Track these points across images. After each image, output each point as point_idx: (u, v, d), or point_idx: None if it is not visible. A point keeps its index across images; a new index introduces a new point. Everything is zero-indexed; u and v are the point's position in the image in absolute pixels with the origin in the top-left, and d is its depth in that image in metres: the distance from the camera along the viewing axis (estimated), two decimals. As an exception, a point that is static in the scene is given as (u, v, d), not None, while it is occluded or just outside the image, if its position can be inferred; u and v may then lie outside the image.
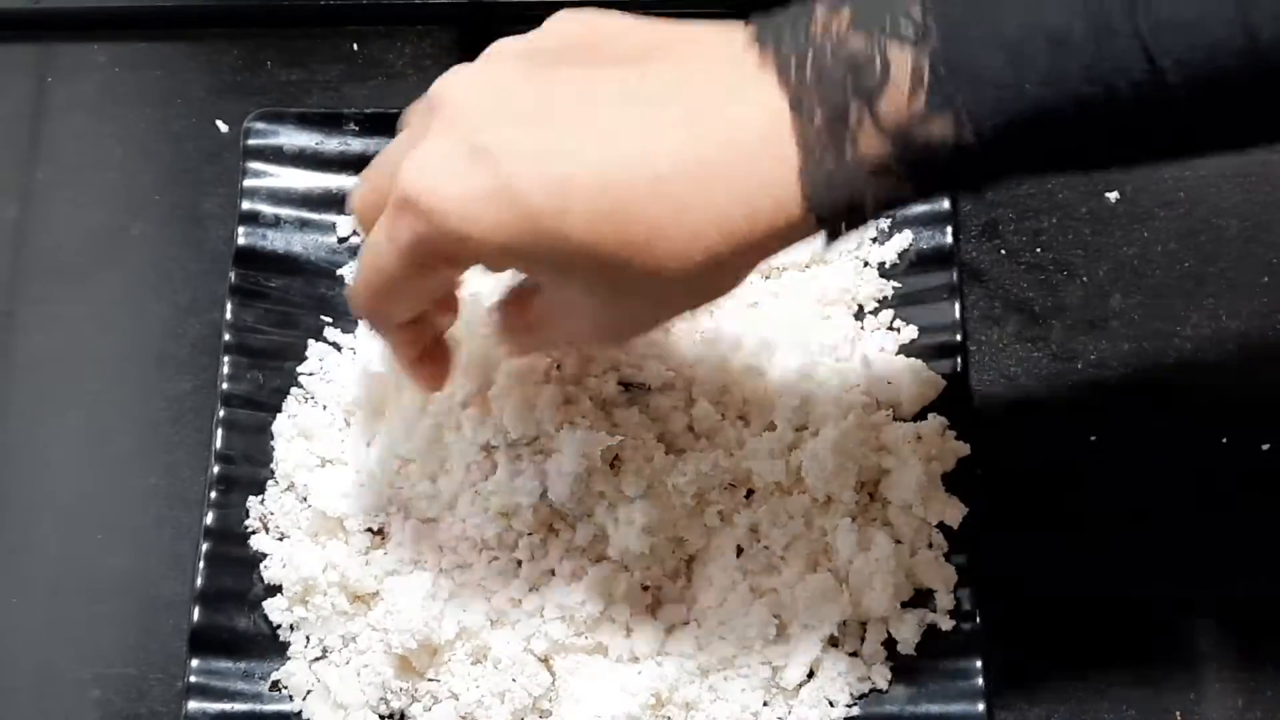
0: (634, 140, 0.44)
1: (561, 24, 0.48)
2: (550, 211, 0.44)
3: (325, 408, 0.61)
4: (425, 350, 0.53)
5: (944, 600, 0.56)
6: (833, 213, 0.43)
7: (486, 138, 0.44)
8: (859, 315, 0.62)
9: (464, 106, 0.46)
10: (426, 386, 0.55)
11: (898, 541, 0.57)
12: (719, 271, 0.45)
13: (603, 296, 0.46)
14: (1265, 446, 0.60)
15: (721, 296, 0.48)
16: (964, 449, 0.58)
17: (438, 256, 0.46)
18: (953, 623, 0.56)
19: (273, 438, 0.60)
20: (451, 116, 0.46)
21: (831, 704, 0.56)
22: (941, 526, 0.57)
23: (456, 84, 0.47)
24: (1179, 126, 0.42)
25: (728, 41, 0.45)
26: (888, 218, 0.62)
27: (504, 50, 0.48)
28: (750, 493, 0.58)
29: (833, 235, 0.44)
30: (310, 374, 0.61)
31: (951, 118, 0.42)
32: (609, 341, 0.55)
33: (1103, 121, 0.42)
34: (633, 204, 0.43)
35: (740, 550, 0.57)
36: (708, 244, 0.44)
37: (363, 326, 0.59)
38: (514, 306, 0.52)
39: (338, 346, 0.62)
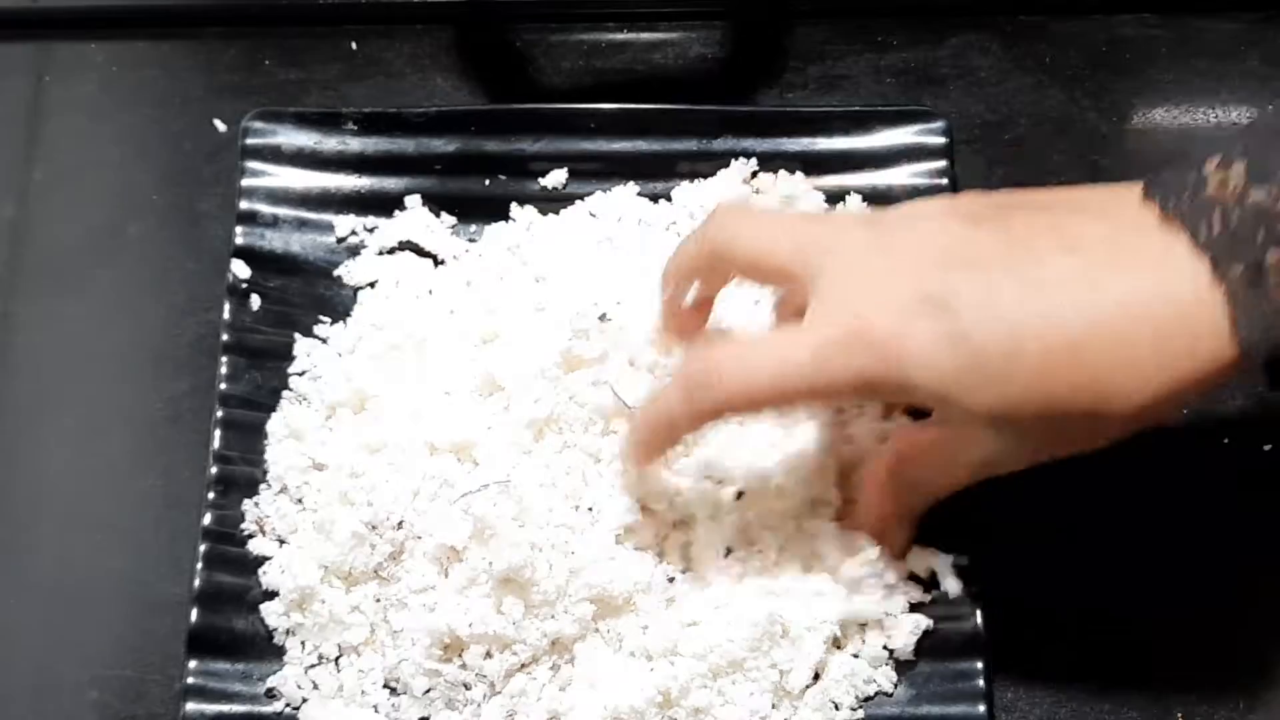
0: (1079, 290, 0.47)
1: (972, 193, 0.52)
2: (1002, 358, 0.47)
3: (315, 408, 0.60)
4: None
5: (949, 584, 0.56)
6: (1271, 353, 0.46)
7: (941, 289, 0.47)
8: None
9: (918, 257, 0.48)
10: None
11: None
12: (1153, 413, 0.48)
13: (1037, 438, 0.49)
14: (1266, 447, 0.60)
15: (1127, 433, 0.51)
16: None
17: (869, 391, 0.49)
18: (948, 616, 0.56)
19: (265, 437, 0.60)
20: (906, 266, 0.48)
21: (836, 707, 0.56)
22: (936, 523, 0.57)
23: (907, 233, 0.49)
24: None
25: (1126, 201, 0.48)
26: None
27: (929, 210, 0.51)
28: (740, 494, 0.57)
29: (1272, 372, 0.48)
30: (300, 373, 0.61)
31: None
32: (998, 472, 0.55)
33: None
34: (1080, 349, 0.47)
35: (729, 550, 0.57)
36: (1155, 388, 0.47)
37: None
38: (908, 437, 0.53)
39: (324, 340, 0.62)
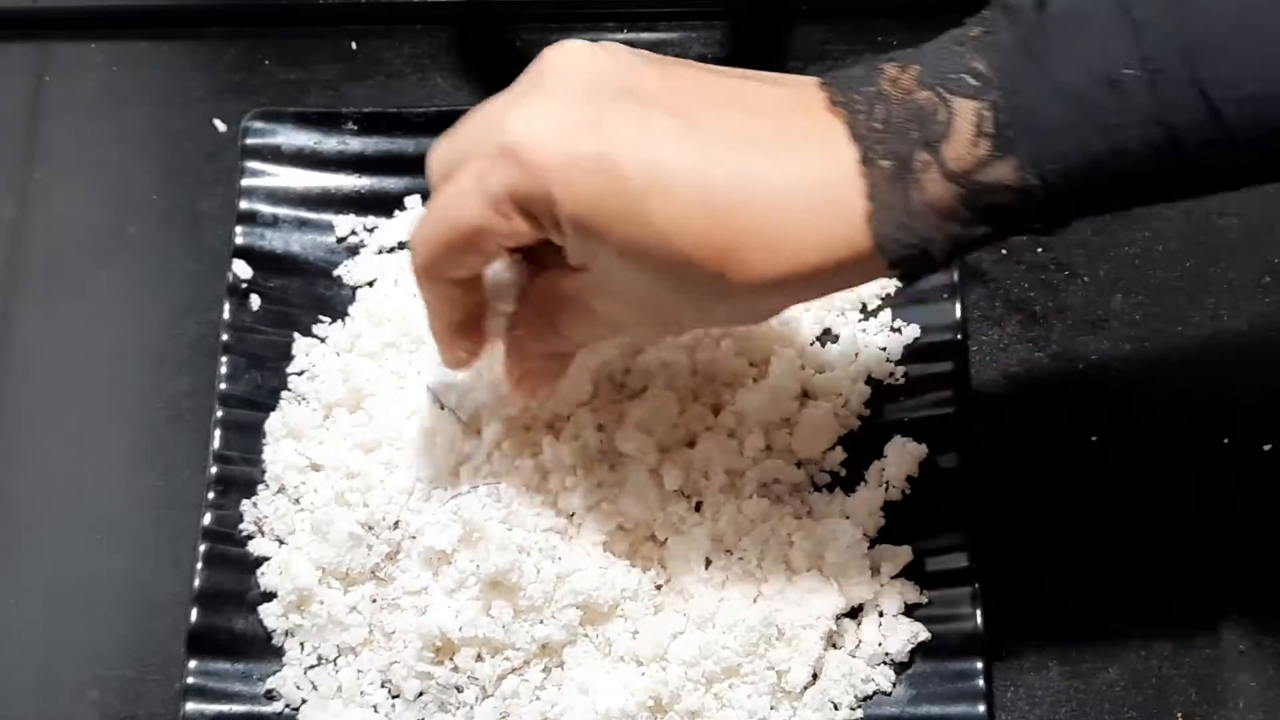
0: (737, 150, 0.46)
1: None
2: (643, 194, 0.46)
3: (313, 408, 0.60)
4: (465, 319, 0.54)
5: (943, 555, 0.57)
6: (901, 254, 0.46)
7: (599, 109, 0.46)
8: (862, 312, 0.62)
9: (581, 75, 0.47)
10: (453, 359, 0.55)
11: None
12: (779, 293, 0.48)
13: (663, 288, 0.48)
14: (1266, 447, 0.60)
15: (770, 318, 0.52)
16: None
17: (523, 211, 0.47)
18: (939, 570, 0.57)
19: (264, 437, 0.60)
20: (566, 81, 0.47)
21: (835, 707, 0.56)
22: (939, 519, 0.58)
23: (574, 53, 0.48)
24: (1241, 163, 0.44)
25: (803, 86, 0.48)
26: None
27: (617, 45, 0.50)
28: (699, 505, 0.58)
29: (906, 277, 0.47)
30: (299, 373, 0.61)
31: (1014, 163, 0.44)
32: (644, 331, 0.56)
33: (1164, 162, 0.43)
34: (722, 212, 0.46)
35: (709, 562, 0.57)
36: (781, 266, 0.46)
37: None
38: (542, 292, 0.52)
39: (322, 339, 0.62)
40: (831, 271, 0.46)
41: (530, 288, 0.53)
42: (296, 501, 0.59)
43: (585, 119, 0.46)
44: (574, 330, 0.53)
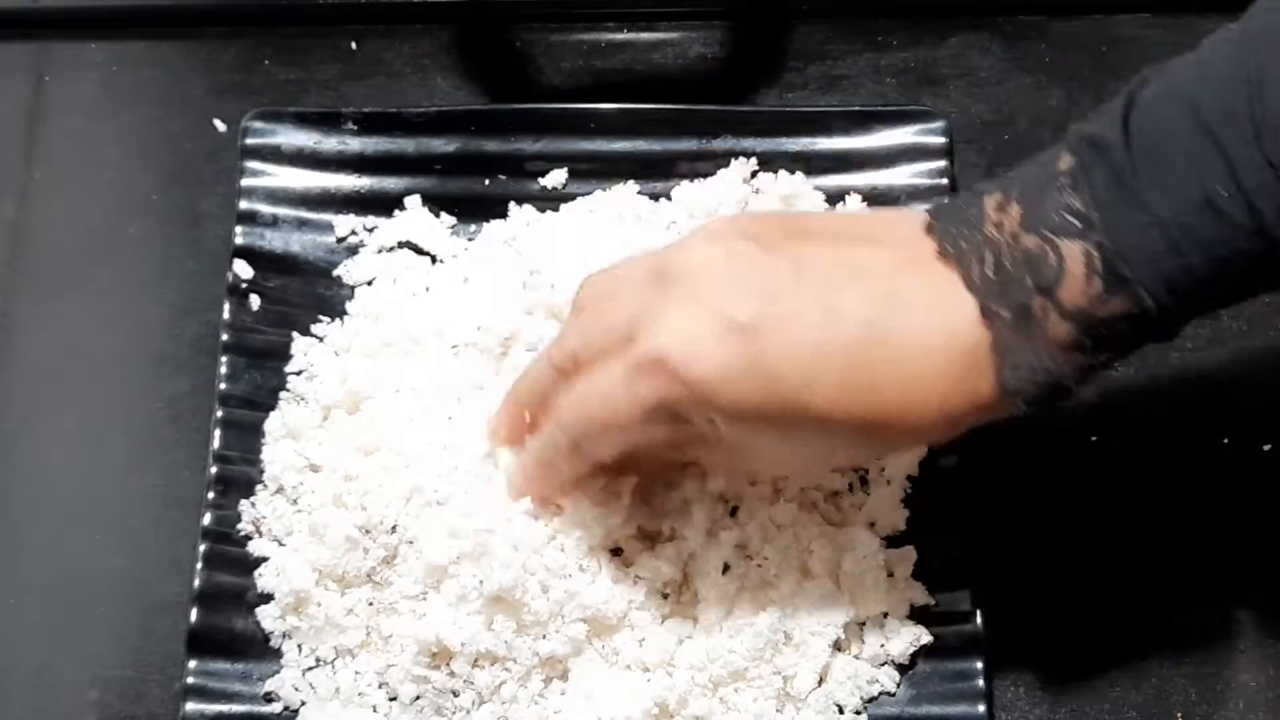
0: (869, 330, 0.48)
1: (759, 215, 0.55)
2: (798, 391, 0.48)
3: (312, 408, 0.60)
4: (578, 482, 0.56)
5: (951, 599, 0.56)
6: (1034, 394, 0.48)
7: (739, 311, 0.48)
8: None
9: (710, 278, 0.49)
10: (544, 503, 0.56)
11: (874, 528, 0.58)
12: (926, 439, 0.53)
13: (810, 452, 0.52)
14: (1266, 447, 0.60)
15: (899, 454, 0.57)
16: None
17: (674, 415, 0.50)
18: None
19: (263, 437, 0.60)
20: (695, 287, 0.49)
21: (840, 709, 0.56)
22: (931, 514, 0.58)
23: (686, 255, 0.50)
24: None
25: (911, 233, 0.50)
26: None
27: (724, 227, 0.52)
28: (735, 510, 0.58)
29: (1043, 408, 0.49)
30: (298, 372, 0.61)
31: (1128, 295, 0.46)
32: (779, 473, 0.58)
33: (1266, 266, 0.46)
34: (869, 391, 0.48)
35: (727, 567, 0.57)
36: (931, 418, 0.49)
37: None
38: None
39: (320, 339, 0.62)
40: (971, 416, 0.49)
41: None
42: (295, 502, 0.59)
43: (734, 326, 0.48)
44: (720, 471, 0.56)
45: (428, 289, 0.63)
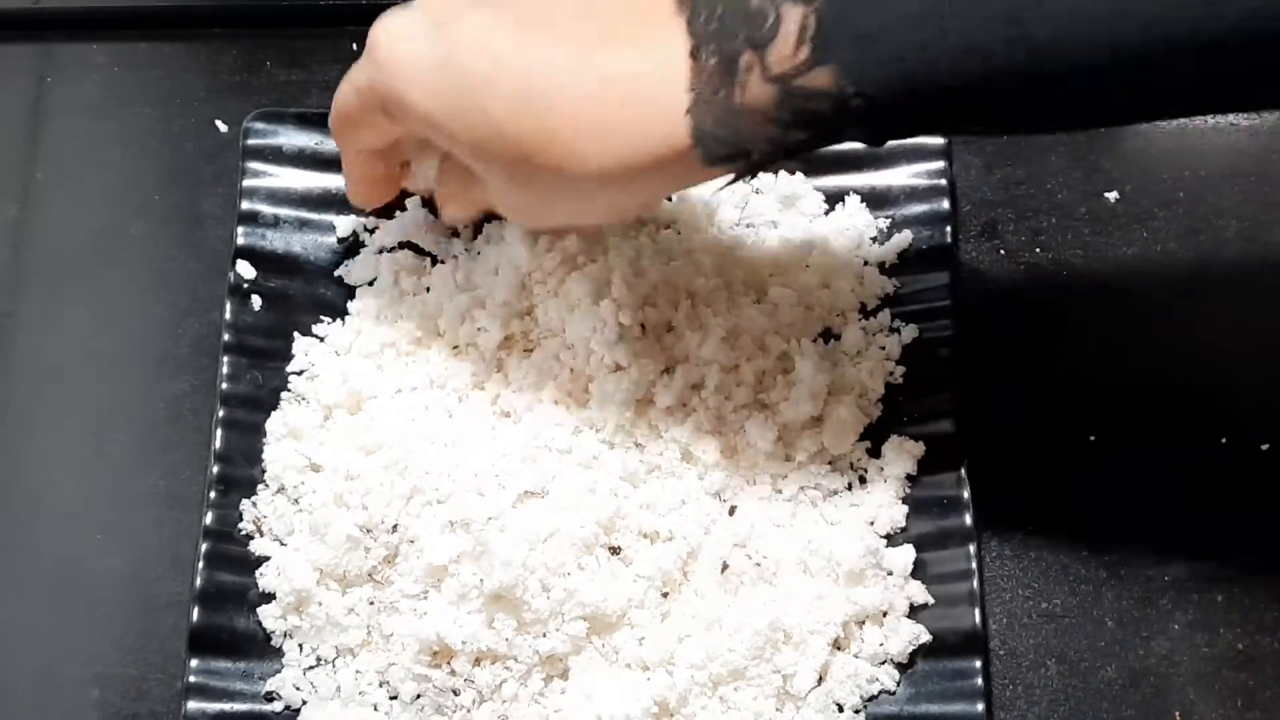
0: (562, 49, 0.49)
1: None
2: (478, 90, 0.50)
3: (313, 408, 0.61)
4: (375, 180, 0.60)
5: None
6: (720, 151, 0.48)
7: (444, 12, 0.51)
8: (862, 313, 0.62)
9: None
10: (361, 201, 0.61)
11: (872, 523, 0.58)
12: (618, 185, 0.50)
13: (511, 180, 0.52)
14: (1265, 446, 0.60)
15: (631, 211, 0.55)
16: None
17: (382, 105, 0.53)
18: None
19: (264, 436, 0.60)
20: None
21: (840, 708, 0.56)
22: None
23: None
24: (1058, 95, 0.45)
25: None
26: (886, 218, 0.63)
27: None
28: (733, 509, 0.58)
29: (730, 175, 0.49)
30: (299, 372, 0.61)
31: (832, 71, 0.45)
32: (521, 222, 0.59)
33: (973, 84, 0.45)
34: (552, 103, 0.49)
35: (725, 566, 0.57)
36: (605, 155, 0.49)
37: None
38: (448, 169, 0.57)
39: (321, 339, 0.62)
40: (655, 164, 0.48)
41: (448, 161, 0.57)
42: (296, 502, 0.59)
43: (436, 23, 0.51)
44: (484, 204, 0.57)
45: (428, 289, 0.63)
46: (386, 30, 0.52)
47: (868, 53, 0.45)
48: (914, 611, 0.57)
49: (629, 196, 0.52)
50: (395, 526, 0.57)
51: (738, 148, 0.48)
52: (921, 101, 0.46)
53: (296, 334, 0.62)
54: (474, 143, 0.51)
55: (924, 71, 0.45)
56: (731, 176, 0.50)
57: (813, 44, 0.45)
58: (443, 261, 0.64)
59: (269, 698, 0.57)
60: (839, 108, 0.46)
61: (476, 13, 0.50)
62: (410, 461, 0.57)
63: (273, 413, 0.60)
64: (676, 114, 0.47)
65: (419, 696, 0.56)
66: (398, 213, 0.64)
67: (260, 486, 0.59)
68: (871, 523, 0.58)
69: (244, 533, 0.59)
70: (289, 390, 0.61)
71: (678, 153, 0.48)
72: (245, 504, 0.59)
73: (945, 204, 0.62)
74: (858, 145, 0.62)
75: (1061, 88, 0.45)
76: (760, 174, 0.64)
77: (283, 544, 0.58)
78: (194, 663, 0.56)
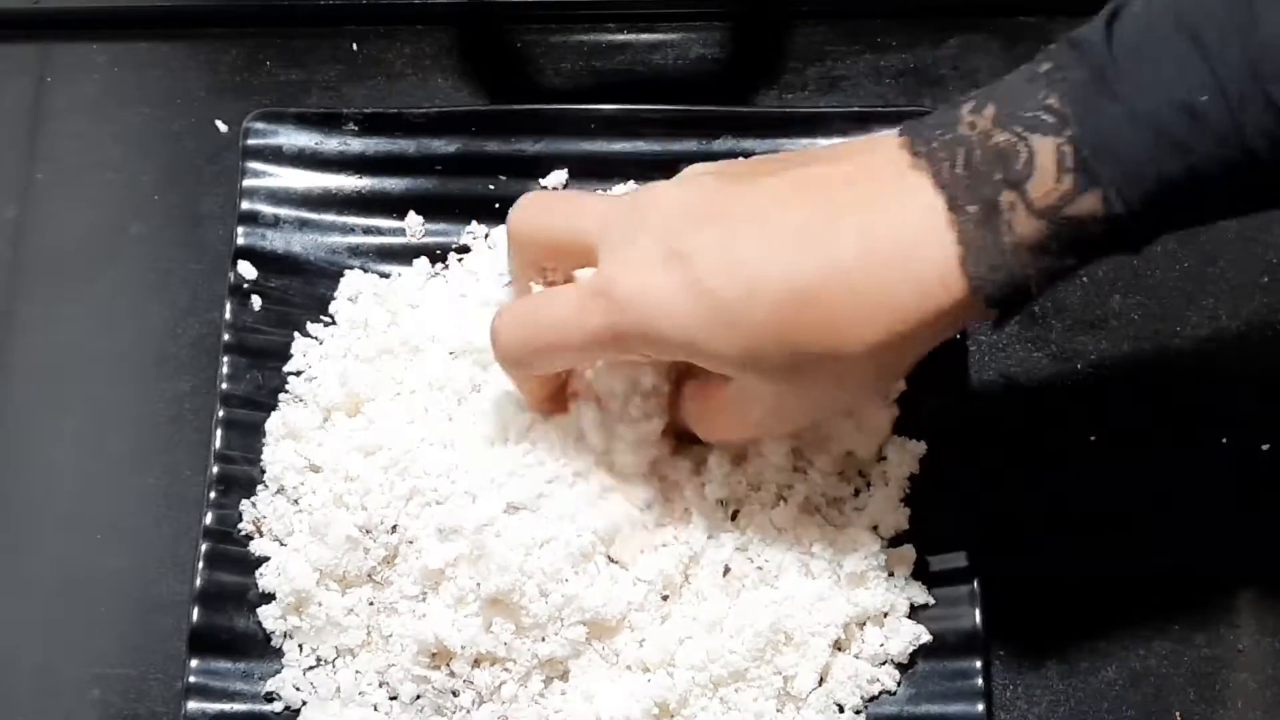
0: (810, 235, 0.48)
1: (741, 159, 0.56)
2: (738, 302, 0.48)
3: (312, 409, 0.60)
4: (552, 393, 0.57)
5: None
6: (999, 292, 0.47)
7: (680, 239, 0.49)
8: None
9: (664, 215, 0.50)
10: (539, 408, 0.58)
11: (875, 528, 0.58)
12: (892, 351, 0.49)
13: (786, 383, 0.51)
14: (1265, 446, 0.60)
15: (896, 379, 0.55)
16: (919, 448, 0.59)
17: (621, 344, 0.51)
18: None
19: (264, 436, 0.60)
20: (653, 224, 0.50)
21: (840, 709, 0.56)
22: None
23: (659, 196, 0.52)
24: None
25: (883, 146, 0.49)
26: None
27: (695, 170, 0.53)
28: (735, 514, 0.58)
29: (1005, 313, 0.48)
30: (297, 373, 0.61)
31: (1099, 195, 0.45)
32: (789, 426, 0.57)
33: (1240, 179, 0.45)
34: (812, 291, 0.48)
35: (727, 569, 0.57)
36: (882, 325, 0.48)
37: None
38: (699, 392, 0.55)
39: (319, 340, 0.62)
40: (933, 321, 0.48)
41: (679, 395, 0.56)
42: (295, 502, 0.59)
43: (670, 252, 0.49)
44: (728, 434, 0.56)
45: (426, 292, 0.62)
46: (621, 272, 0.50)
47: (1133, 172, 0.45)
48: (914, 611, 0.57)
49: (901, 359, 0.51)
50: (394, 527, 0.57)
51: (1015, 286, 0.47)
52: (1190, 202, 0.46)
53: (297, 334, 0.62)
54: (740, 356, 0.50)
55: (1192, 177, 0.45)
56: (999, 312, 0.49)
57: (1074, 173, 0.45)
58: (446, 265, 0.64)
59: (269, 698, 0.57)
60: (1109, 227, 0.46)
61: (704, 231, 0.49)
62: (409, 463, 0.57)
63: (272, 413, 0.60)
64: (950, 267, 0.47)
65: (418, 697, 0.56)
66: (398, 214, 0.64)
67: (260, 487, 0.59)
68: (875, 527, 0.58)
69: (243, 533, 0.59)
70: (287, 391, 0.61)
71: (959, 304, 0.47)
72: (245, 504, 0.59)
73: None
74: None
75: None
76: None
77: (282, 544, 0.58)
78: (194, 663, 0.56)
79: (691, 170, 0.53)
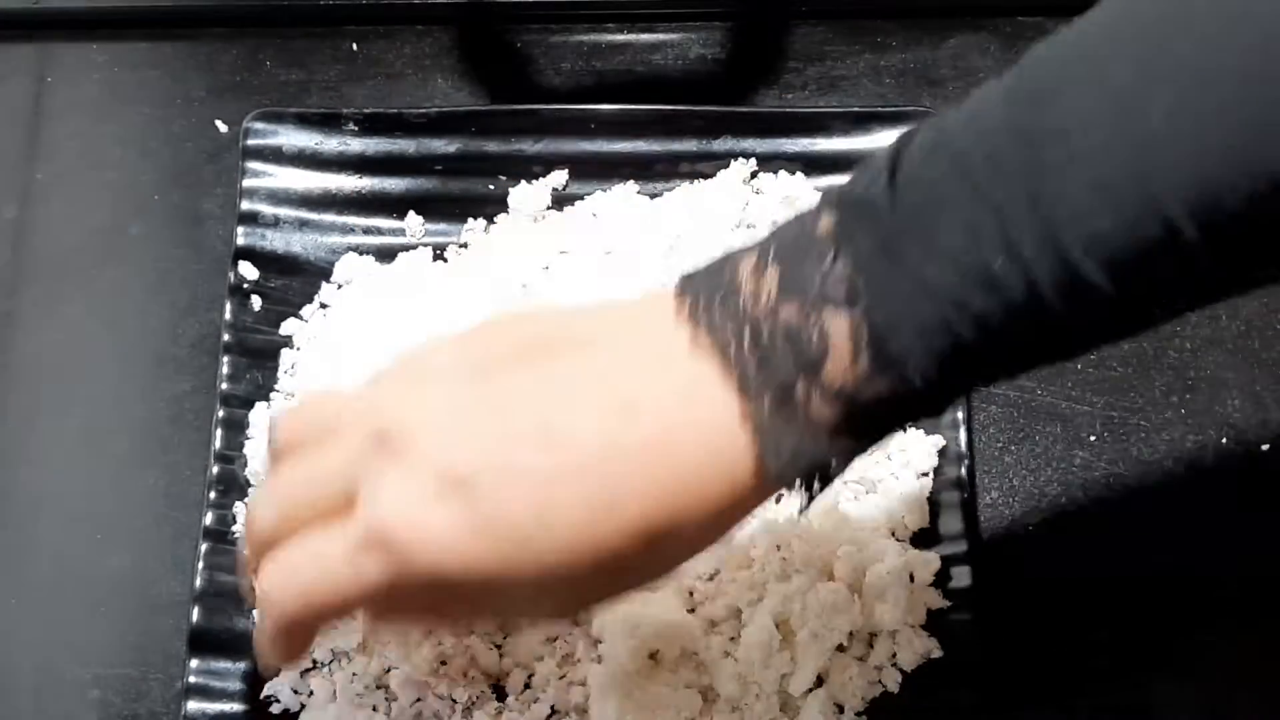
0: (604, 441, 0.43)
1: (493, 328, 0.46)
2: (535, 528, 0.42)
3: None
4: (304, 646, 0.48)
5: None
6: (796, 476, 0.43)
7: (456, 466, 0.43)
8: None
9: (421, 434, 0.43)
10: (279, 665, 0.53)
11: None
12: (695, 542, 0.45)
13: (585, 588, 0.45)
14: (1265, 447, 0.60)
15: (678, 565, 0.46)
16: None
17: (407, 591, 0.44)
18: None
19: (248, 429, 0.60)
20: (411, 447, 0.43)
21: (840, 709, 0.56)
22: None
23: (403, 407, 0.44)
24: (1111, 318, 0.42)
25: (660, 316, 0.44)
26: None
27: (440, 363, 0.45)
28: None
29: (810, 490, 0.44)
30: (288, 370, 0.61)
31: (895, 374, 0.42)
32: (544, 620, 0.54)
33: (1040, 333, 0.42)
34: (614, 498, 0.43)
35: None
36: (693, 521, 0.43)
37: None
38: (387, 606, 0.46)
39: (305, 320, 0.62)
40: (735, 505, 0.44)
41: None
42: None
43: (453, 482, 0.42)
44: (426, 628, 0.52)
45: (426, 291, 0.63)
46: (403, 514, 0.42)
47: (929, 342, 0.41)
48: (928, 617, 0.57)
49: (708, 538, 0.45)
50: None
51: (814, 464, 0.43)
52: (987, 364, 0.42)
53: (293, 320, 0.62)
54: (539, 579, 0.43)
55: (987, 341, 0.41)
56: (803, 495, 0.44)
57: (870, 355, 0.42)
58: (445, 260, 0.64)
59: (267, 701, 0.57)
60: (907, 403, 0.42)
61: (487, 451, 0.43)
62: None
63: (256, 404, 0.60)
64: (743, 459, 0.43)
65: (418, 700, 0.56)
66: (397, 214, 0.64)
67: (252, 489, 0.59)
68: (893, 532, 0.58)
69: (239, 535, 0.59)
70: (276, 390, 0.61)
71: (759, 491, 0.43)
72: (240, 506, 0.59)
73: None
74: (857, 144, 0.64)
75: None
76: (761, 177, 0.64)
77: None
78: (194, 663, 0.56)
79: (429, 362, 0.45)
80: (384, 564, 0.43)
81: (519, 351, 0.45)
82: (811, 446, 0.43)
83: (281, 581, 0.45)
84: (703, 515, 0.43)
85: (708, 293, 0.44)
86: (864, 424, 0.43)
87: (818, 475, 0.43)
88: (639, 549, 0.43)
